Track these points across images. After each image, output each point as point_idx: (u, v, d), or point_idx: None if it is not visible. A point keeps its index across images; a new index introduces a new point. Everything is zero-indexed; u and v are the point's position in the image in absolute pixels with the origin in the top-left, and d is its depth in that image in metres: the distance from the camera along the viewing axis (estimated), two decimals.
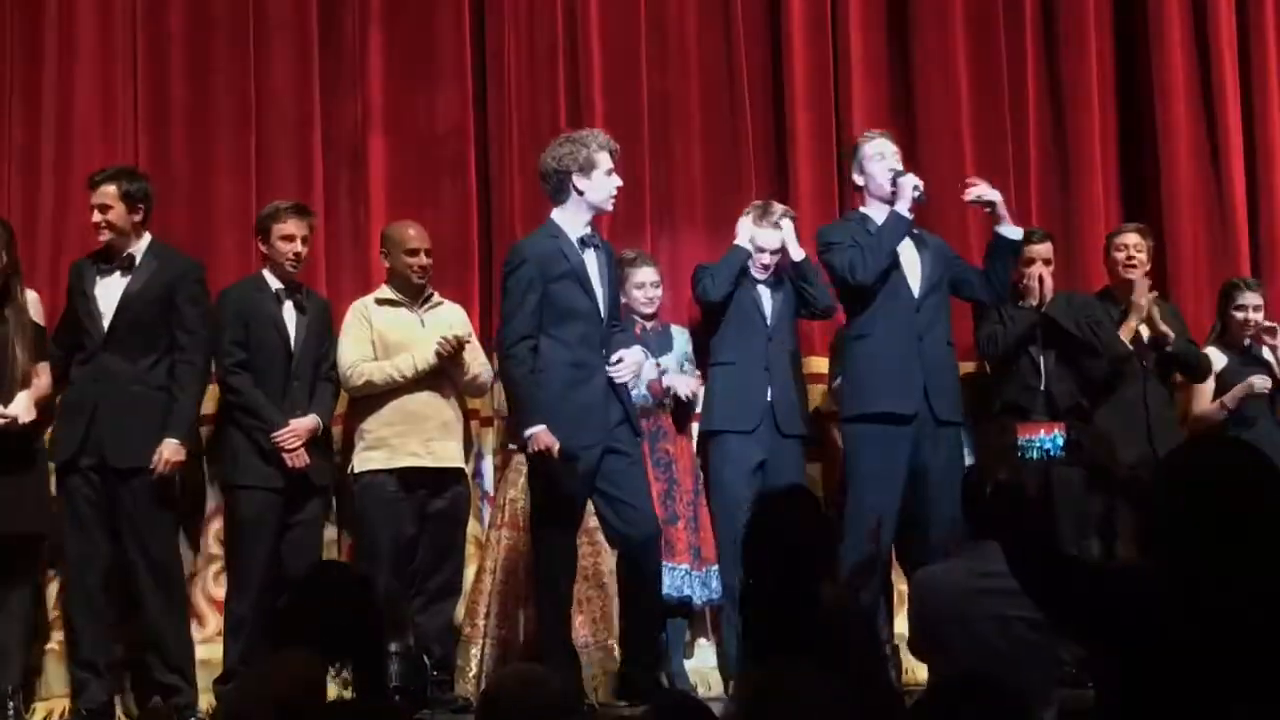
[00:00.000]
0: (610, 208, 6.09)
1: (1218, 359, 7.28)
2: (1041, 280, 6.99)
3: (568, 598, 6.06)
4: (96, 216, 6.19)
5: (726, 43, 7.65)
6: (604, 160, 5.99)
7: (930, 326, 6.50)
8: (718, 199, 7.51)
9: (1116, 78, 8.07)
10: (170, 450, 6.14)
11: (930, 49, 7.83)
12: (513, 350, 5.86)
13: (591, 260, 6.00)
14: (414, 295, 6.67)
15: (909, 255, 6.54)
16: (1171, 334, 7.02)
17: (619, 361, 5.92)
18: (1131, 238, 7.24)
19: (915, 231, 6.59)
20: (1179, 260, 7.79)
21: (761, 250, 6.86)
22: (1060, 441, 6.50)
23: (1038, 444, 6.64)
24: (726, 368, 6.84)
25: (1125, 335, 6.97)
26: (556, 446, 5.74)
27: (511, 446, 6.46)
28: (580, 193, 5.98)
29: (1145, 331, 7.02)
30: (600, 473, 5.89)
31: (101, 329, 6.18)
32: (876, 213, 6.56)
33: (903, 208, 6.46)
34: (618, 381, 5.93)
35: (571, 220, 6.01)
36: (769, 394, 6.76)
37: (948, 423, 6.48)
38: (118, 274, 6.24)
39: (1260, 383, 7.11)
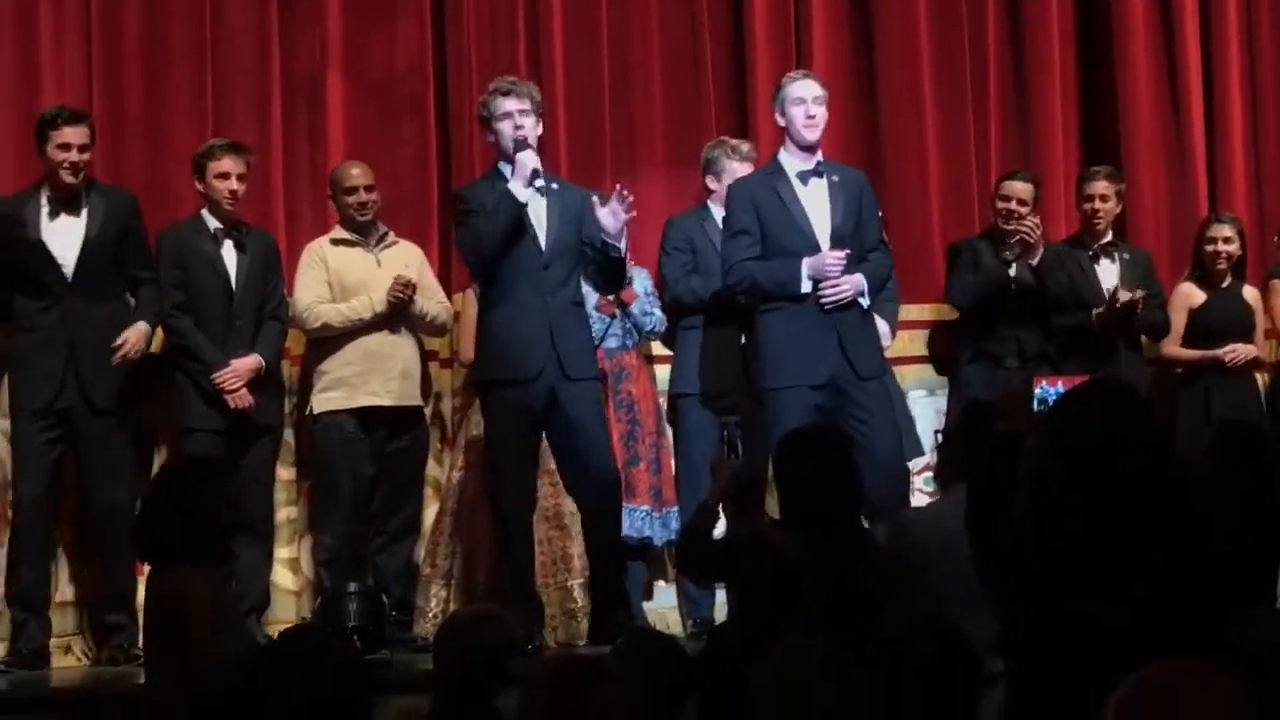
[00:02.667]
0: (514, 151, 6.02)
1: (1194, 296, 7.28)
2: (1035, 231, 6.91)
3: (527, 535, 6.09)
4: (74, 156, 6.10)
5: None
6: (498, 106, 6.04)
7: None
8: (678, 144, 7.48)
9: (1076, 19, 8.06)
10: (137, 334, 6.13)
11: None
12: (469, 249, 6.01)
13: (539, 203, 6.03)
14: (367, 234, 6.65)
15: (819, 207, 6.20)
16: (1139, 295, 6.97)
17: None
18: (1100, 184, 7.21)
19: (835, 177, 6.26)
20: (1139, 202, 7.78)
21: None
22: None
23: (1055, 395, 6.71)
24: (695, 331, 6.78)
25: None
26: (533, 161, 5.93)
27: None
28: (492, 142, 6.05)
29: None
30: (553, 417, 5.93)
31: (64, 273, 6.14)
32: (791, 160, 6.25)
33: (805, 286, 6.08)
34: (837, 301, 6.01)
35: (506, 166, 6.07)
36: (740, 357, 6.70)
37: (870, 378, 6.19)
38: (65, 215, 6.17)
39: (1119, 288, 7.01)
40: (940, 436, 5.82)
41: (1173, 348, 7.25)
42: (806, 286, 6.09)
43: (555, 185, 6.15)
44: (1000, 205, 7.11)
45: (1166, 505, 3.13)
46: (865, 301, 6.21)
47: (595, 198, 6.04)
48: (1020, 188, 7.09)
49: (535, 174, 5.97)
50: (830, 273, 6.08)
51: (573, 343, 6.04)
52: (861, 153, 7.29)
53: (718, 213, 6.73)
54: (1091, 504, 3.10)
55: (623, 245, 6.06)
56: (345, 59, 7.18)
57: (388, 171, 6.96)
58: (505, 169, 6.06)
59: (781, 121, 6.28)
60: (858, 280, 6.15)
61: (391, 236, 6.74)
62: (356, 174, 6.64)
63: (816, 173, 6.24)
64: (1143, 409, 3.30)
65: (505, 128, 6.04)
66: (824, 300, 6.08)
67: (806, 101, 6.22)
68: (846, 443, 4.82)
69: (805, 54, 7.59)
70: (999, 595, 3.38)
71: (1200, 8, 8.03)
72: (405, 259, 6.70)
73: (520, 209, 5.94)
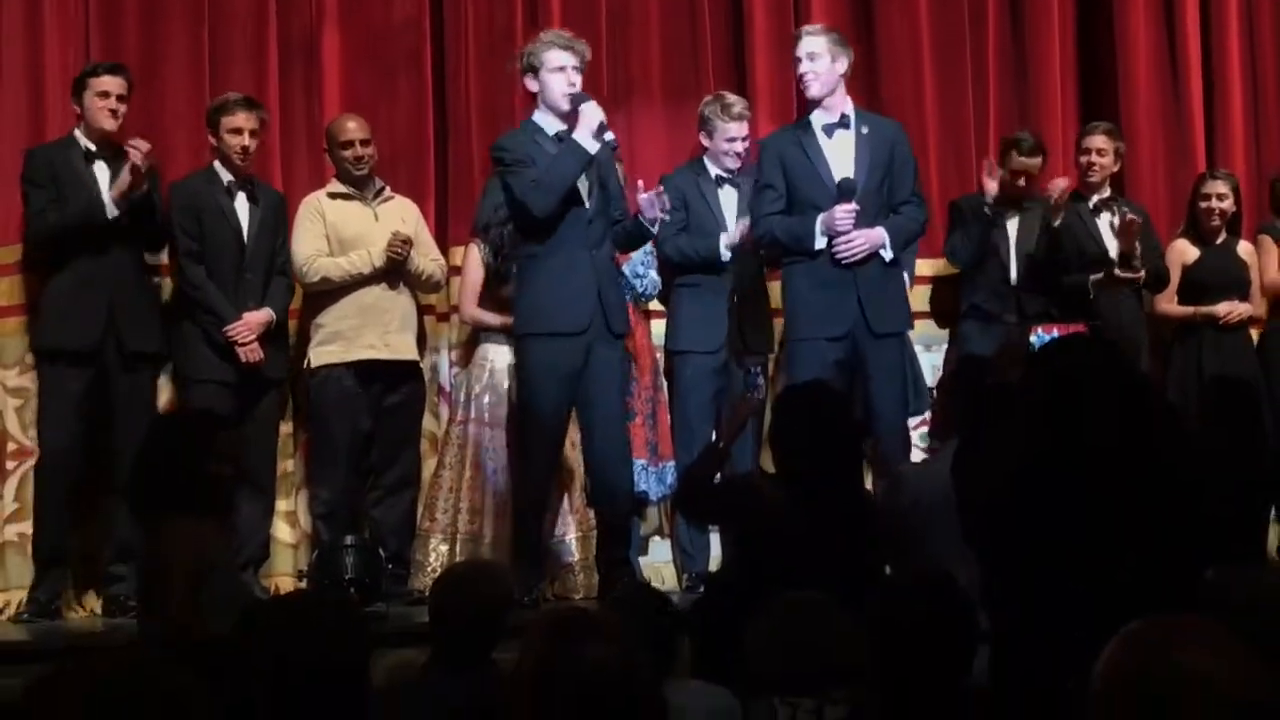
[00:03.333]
0: (565, 106, 6.01)
1: (1189, 252, 7.28)
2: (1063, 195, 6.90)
3: (546, 490, 6.14)
4: (114, 105, 6.23)
5: None
6: (551, 59, 5.98)
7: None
8: (675, 101, 7.46)
9: None
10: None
11: None
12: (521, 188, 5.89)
13: None
14: (363, 188, 6.64)
15: (844, 159, 6.29)
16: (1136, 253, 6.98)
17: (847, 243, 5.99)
18: (1099, 139, 7.21)
19: (865, 129, 6.37)
20: (1137, 159, 7.77)
21: (733, 140, 6.79)
22: None
23: None
24: (692, 289, 6.80)
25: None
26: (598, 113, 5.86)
27: (608, 137, 6.03)
28: (533, 94, 5.99)
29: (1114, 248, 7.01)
30: (583, 377, 5.93)
31: (107, 219, 6.15)
32: (822, 116, 6.36)
33: (819, 242, 6.19)
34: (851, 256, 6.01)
35: (545, 119, 6.04)
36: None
37: (887, 334, 6.30)
38: (103, 164, 6.24)
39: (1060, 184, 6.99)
40: (935, 392, 5.83)
41: (1166, 304, 7.26)
42: (820, 242, 6.18)
43: None
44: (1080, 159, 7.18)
45: (1143, 459, 3.13)
46: (887, 255, 6.27)
47: (640, 183, 6.10)
48: (1024, 161, 7.02)
49: (602, 127, 5.93)
50: (840, 227, 6.13)
51: (616, 297, 6.07)
52: (860, 109, 7.26)
53: (712, 168, 6.79)
54: (1067, 457, 3.11)
55: (655, 229, 6.14)
56: (341, 14, 7.15)
57: (384, 127, 6.95)
58: (542, 121, 6.03)
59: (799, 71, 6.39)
60: (877, 234, 6.21)
61: (388, 191, 6.74)
62: (353, 128, 6.64)
63: (843, 125, 6.33)
64: (1117, 359, 3.31)
65: (557, 81, 5.99)
66: (838, 255, 6.14)
67: (802, 60, 6.31)
68: (842, 401, 4.82)
69: (804, 13, 7.56)
70: (981, 550, 3.39)
71: None
72: (402, 214, 6.70)
73: (590, 160, 5.91)
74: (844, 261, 6.17)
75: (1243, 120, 7.99)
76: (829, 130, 6.34)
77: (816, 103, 6.32)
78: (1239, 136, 7.96)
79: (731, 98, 6.87)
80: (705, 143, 6.86)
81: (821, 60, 6.29)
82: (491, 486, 6.60)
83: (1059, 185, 6.93)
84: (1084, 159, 7.21)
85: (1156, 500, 3.13)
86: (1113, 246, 7.03)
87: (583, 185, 5.97)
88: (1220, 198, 7.22)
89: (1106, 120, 7.50)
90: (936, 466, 4.67)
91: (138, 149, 6.09)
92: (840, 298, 6.19)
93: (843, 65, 6.35)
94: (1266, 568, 3.68)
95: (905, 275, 6.62)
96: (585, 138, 5.88)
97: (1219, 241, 7.27)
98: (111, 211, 6.13)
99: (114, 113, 6.25)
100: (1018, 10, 7.92)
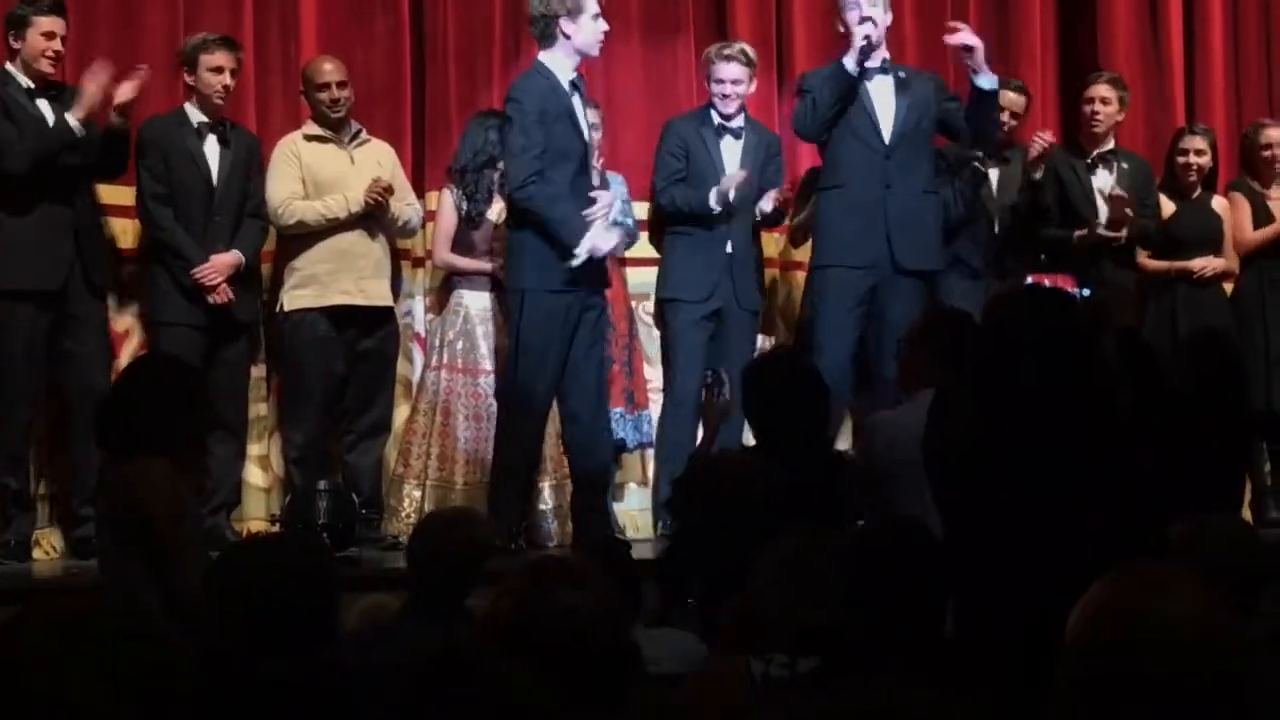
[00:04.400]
0: (597, 52, 6.06)
1: (1165, 206, 7.27)
2: (1045, 148, 6.90)
3: (536, 443, 6.16)
4: (57, 45, 6.10)
5: None
6: (591, 4, 5.94)
7: (902, 175, 6.39)
8: (655, 43, 7.42)
9: None
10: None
11: None
12: (525, 187, 5.87)
13: (578, 104, 6.00)
14: (339, 130, 6.60)
15: (884, 100, 6.44)
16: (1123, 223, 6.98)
17: (601, 197, 5.94)
18: (1102, 88, 7.18)
19: (902, 74, 6.51)
20: None
21: (721, 81, 6.73)
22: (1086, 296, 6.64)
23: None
24: (685, 237, 6.75)
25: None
26: (612, 242, 5.90)
27: (574, 263, 6.03)
28: (567, 36, 5.96)
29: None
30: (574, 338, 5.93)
31: (76, 138, 6.04)
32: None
33: (850, 60, 6.31)
34: (592, 219, 5.89)
35: (560, 64, 6.00)
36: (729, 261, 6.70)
37: (912, 272, 6.37)
38: (48, 102, 6.12)
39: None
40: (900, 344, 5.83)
41: (1142, 259, 7.27)
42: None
43: (582, 88, 6.10)
44: (1085, 108, 7.13)
45: (1098, 413, 3.13)
46: (987, 81, 6.43)
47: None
48: (1012, 98, 7.06)
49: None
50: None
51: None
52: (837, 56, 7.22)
53: (715, 117, 6.78)
54: (1018, 414, 3.10)
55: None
56: None
57: (361, 69, 6.89)
58: (556, 65, 5.96)
59: (841, 27, 6.50)
60: (977, 42, 6.41)
61: (364, 134, 6.69)
62: (329, 69, 6.58)
63: (881, 70, 6.46)
64: (1068, 311, 3.30)
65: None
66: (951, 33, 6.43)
67: (859, 5, 6.37)
68: (807, 370, 4.84)
69: None
70: (944, 509, 3.38)
71: None
72: (378, 157, 6.66)
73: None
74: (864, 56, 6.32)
75: (1223, 71, 7.98)
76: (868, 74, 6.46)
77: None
78: (1219, 87, 7.96)
79: (736, 43, 6.83)
80: (708, 88, 6.82)
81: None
82: (463, 433, 6.58)
83: (1044, 138, 6.92)
84: (1087, 109, 7.17)
85: (1113, 455, 3.12)
86: (1104, 207, 7.04)
87: (586, 133, 5.99)
88: (1198, 153, 7.23)
89: (1085, 71, 7.49)
90: (908, 415, 4.67)
91: (95, 77, 6.00)
92: (869, 226, 6.32)
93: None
94: (1232, 519, 3.67)
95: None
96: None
97: (1194, 196, 7.27)
98: (80, 131, 6.02)
99: (57, 55, 6.12)
100: None
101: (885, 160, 6.39)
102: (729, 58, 6.70)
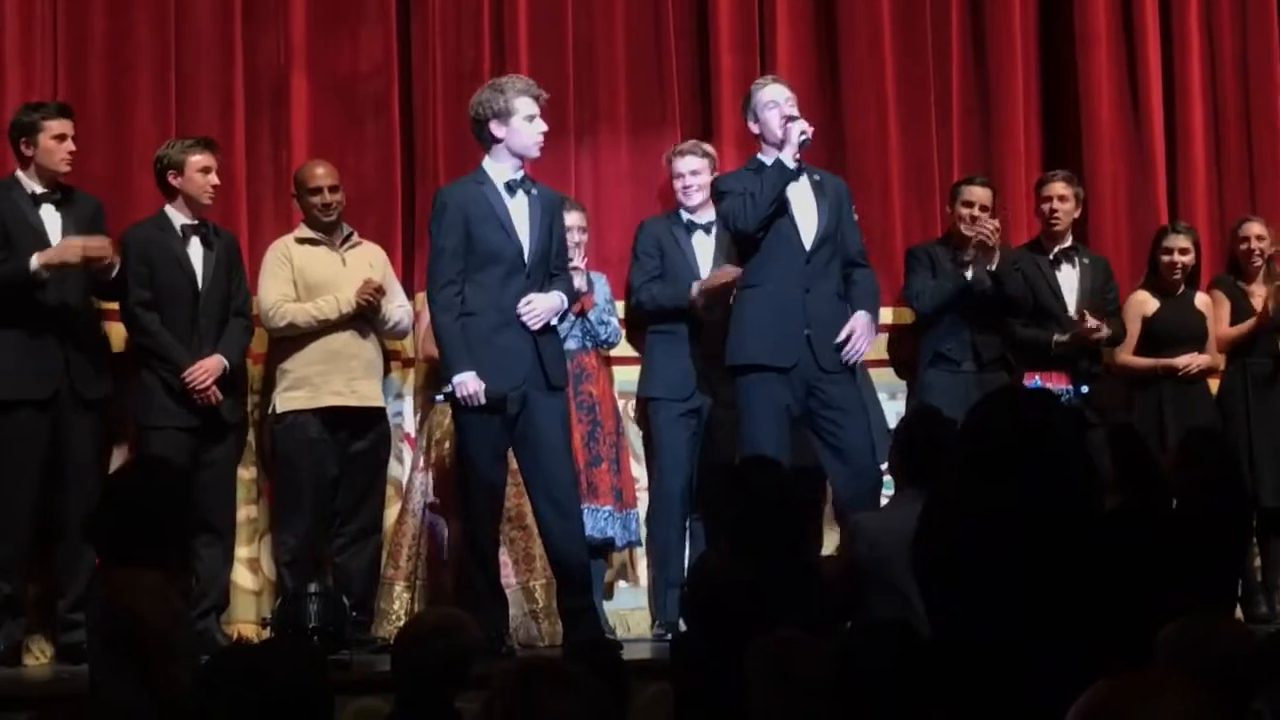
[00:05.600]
0: (535, 154, 6.07)
1: (1148, 304, 7.33)
2: (994, 235, 6.97)
3: (494, 542, 6.09)
4: (70, 146, 6.19)
5: None
6: (523, 106, 5.97)
7: (820, 278, 6.30)
8: (642, 143, 7.50)
9: (1039, 23, 8.11)
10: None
11: None
12: (437, 297, 5.92)
13: (521, 205, 6.00)
14: (331, 234, 6.64)
15: (804, 203, 6.33)
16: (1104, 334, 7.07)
17: (528, 305, 5.93)
18: (1058, 186, 7.26)
19: (816, 177, 6.43)
20: (1099, 208, 7.84)
21: (680, 176, 6.85)
22: (1083, 393, 6.69)
23: (1060, 394, 6.83)
24: (665, 335, 6.80)
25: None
26: (481, 392, 5.77)
27: (437, 398, 6.40)
28: (499, 140, 5.99)
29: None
30: (522, 421, 5.92)
31: (29, 278, 6.07)
32: (771, 159, 6.37)
33: (787, 155, 6.24)
34: (529, 324, 5.92)
35: (496, 167, 6.02)
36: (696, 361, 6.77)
37: (834, 371, 6.28)
38: (51, 207, 6.21)
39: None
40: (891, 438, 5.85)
41: (1126, 355, 7.33)
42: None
43: (535, 191, 6.11)
44: (960, 210, 7.16)
45: (1078, 517, 3.12)
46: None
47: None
48: (980, 193, 7.15)
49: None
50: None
51: (550, 349, 6.03)
52: (824, 154, 7.30)
53: (685, 215, 6.90)
54: (998, 517, 3.10)
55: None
56: (309, 59, 7.15)
57: (352, 172, 6.95)
58: (486, 169, 6.04)
59: (755, 128, 6.41)
60: (866, 323, 6.30)
61: (356, 237, 6.74)
62: (321, 174, 6.64)
63: (798, 172, 6.36)
64: (1056, 410, 3.31)
65: (769, 117, 6.25)
66: (848, 359, 6.24)
67: (779, 104, 6.33)
68: (770, 468, 4.84)
69: (769, 54, 7.63)
70: (930, 610, 3.37)
71: (1161, 15, 8.11)
72: (369, 260, 6.71)
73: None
74: (850, 362, 6.26)
75: (1205, 169, 8.07)
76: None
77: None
78: (1201, 184, 8.04)
79: (689, 141, 6.97)
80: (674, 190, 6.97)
81: (795, 108, 6.37)
82: (443, 534, 6.59)
83: (985, 228, 6.97)
84: (1046, 207, 7.27)
85: (1098, 558, 3.12)
86: (1072, 301, 7.11)
87: (524, 235, 5.99)
88: (1182, 252, 7.31)
89: (1069, 167, 7.57)
90: (893, 514, 4.69)
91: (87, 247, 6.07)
92: (791, 327, 6.21)
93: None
94: (1223, 620, 3.68)
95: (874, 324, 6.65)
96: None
97: (1179, 294, 7.33)
98: (41, 275, 6.06)
99: (71, 155, 6.23)
100: (982, 57, 7.98)
101: (805, 264, 6.27)
102: (684, 153, 6.91)
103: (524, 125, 5.98)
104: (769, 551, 4.39)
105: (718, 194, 6.50)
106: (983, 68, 7.99)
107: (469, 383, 5.81)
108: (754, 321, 6.27)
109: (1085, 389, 7.01)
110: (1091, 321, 6.98)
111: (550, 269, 6.07)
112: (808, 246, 6.29)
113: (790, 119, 6.26)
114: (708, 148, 7.04)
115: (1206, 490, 5.23)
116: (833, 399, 6.20)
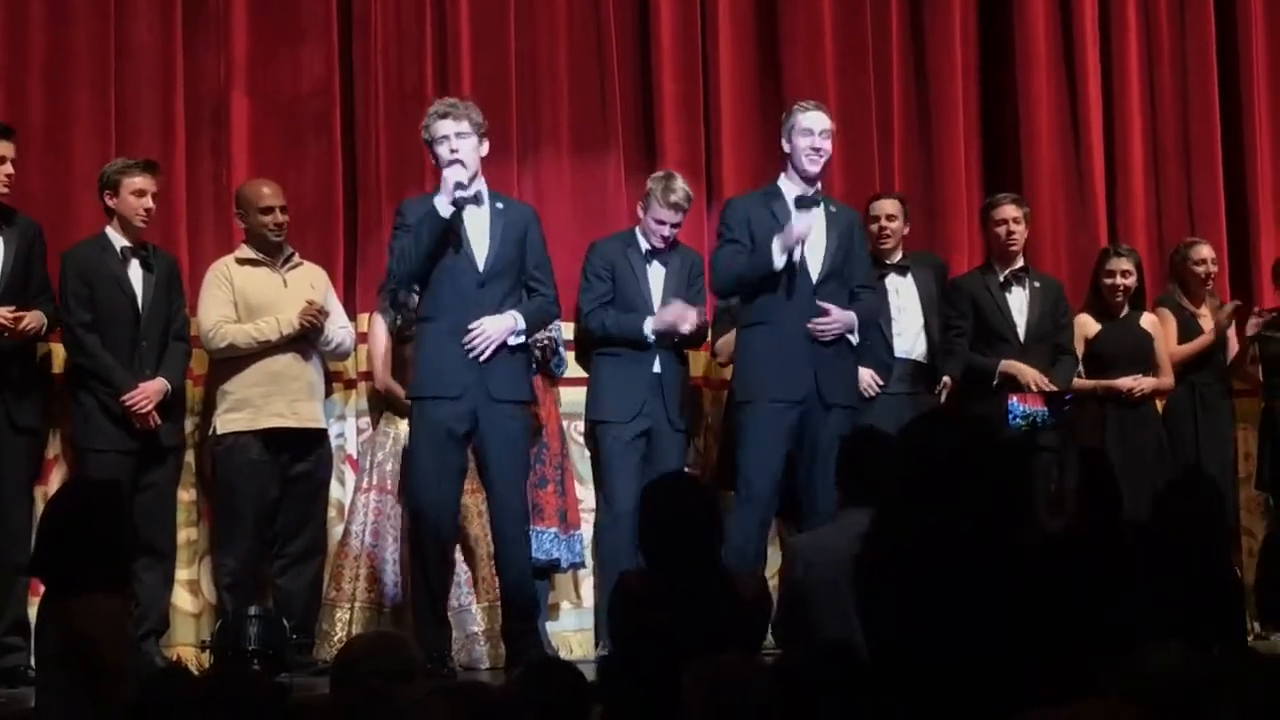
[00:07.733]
0: (458, 174, 5.97)
1: (1090, 326, 7.37)
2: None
3: (439, 564, 6.05)
4: (9, 169, 6.16)
5: (594, 3, 7.63)
6: (437, 129, 5.98)
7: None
8: (585, 163, 7.50)
9: (979, 46, 8.17)
10: (36, 316, 6.13)
11: (797, 16, 7.86)
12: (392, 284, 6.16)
13: (474, 216, 6.01)
14: (274, 254, 6.61)
15: (815, 236, 6.33)
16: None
17: (479, 329, 5.92)
18: (1010, 209, 7.26)
19: (833, 209, 6.47)
20: (1039, 229, 7.85)
21: (662, 223, 6.74)
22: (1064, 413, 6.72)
23: (1026, 410, 6.84)
24: (612, 358, 6.74)
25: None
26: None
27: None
28: (436, 160, 6.03)
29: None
30: (477, 439, 5.94)
31: None
32: (790, 187, 6.41)
33: (779, 260, 6.21)
34: (473, 350, 5.91)
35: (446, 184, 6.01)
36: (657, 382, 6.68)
37: (836, 405, 6.31)
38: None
39: None
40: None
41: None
42: (780, 260, 6.22)
43: (500, 204, 6.12)
44: (994, 229, 7.25)
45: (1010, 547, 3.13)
46: (854, 339, 6.37)
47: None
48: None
49: (459, 186, 5.92)
50: (798, 232, 6.22)
51: (502, 365, 6.00)
52: (765, 178, 7.29)
53: (643, 242, 6.79)
54: (925, 543, 3.10)
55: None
56: (250, 78, 7.12)
57: (293, 191, 6.88)
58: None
59: (786, 148, 6.43)
60: (850, 317, 6.30)
61: (297, 257, 6.70)
62: (268, 193, 6.60)
63: (814, 202, 6.39)
64: (979, 437, 3.32)
65: (442, 151, 6.01)
66: (816, 331, 6.22)
67: (814, 134, 6.37)
68: (695, 489, 4.82)
69: (712, 77, 7.66)
70: (866, 634, 3.37)
71: (1101, 40, 8.19)
72: (311, 280, 6.67)
73: (440, 224, 5.90)
74: (819, 338, 6.24)
75: (1144, 193, 8.14)
76: (801, 202, 6.41)
77: (811, 179, 6.41)
78: (1140, 208, 8.11)
79: (679, 184, 6.76)
80: (640, 214, 6.84)
81: (830, 140, 6.44)
82: (391, 555, 6.57)
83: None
84: (1000, 229, 7.24)
85: (1035, 583, 3.12)
86: (1021, 323, 7.13)
87: (480, 247, 5.99)
88: (1124, 274, 7.33)
89: (1008, 189, 7.60)
90: (827, 537, 4.69)
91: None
92: (796, 361, 6.24)
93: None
94: (1174, 649, 3.69)
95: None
96: (442, 202, 5.93)
97: (1122, 315, 7.36)
98: None
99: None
100: (922, 83, 8.06)
101: (811, 298, 6.29)
102: (675, 205, 6.71)
103: (438, 149, 6.01)
104: (680, 568, 4.35)
105: (722, 224, 6.52)
106: (924, 90, 8.04)
107: (447, 180, 5.88)
108: (760, 358, 6.32)
109: (1066, 408, 7.04)
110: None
111: (526, 281, 6.09)
112: (814, 280, 6.32)
113: (801, 204, 6.33)
114: (692, 196, 6.87)
115: (1186, 533, 5.22)
116: (822, 437, 6.20)
